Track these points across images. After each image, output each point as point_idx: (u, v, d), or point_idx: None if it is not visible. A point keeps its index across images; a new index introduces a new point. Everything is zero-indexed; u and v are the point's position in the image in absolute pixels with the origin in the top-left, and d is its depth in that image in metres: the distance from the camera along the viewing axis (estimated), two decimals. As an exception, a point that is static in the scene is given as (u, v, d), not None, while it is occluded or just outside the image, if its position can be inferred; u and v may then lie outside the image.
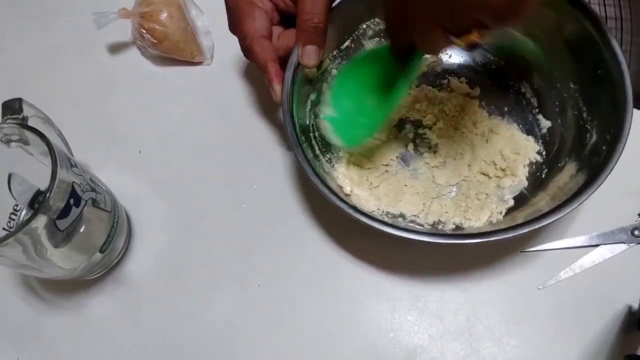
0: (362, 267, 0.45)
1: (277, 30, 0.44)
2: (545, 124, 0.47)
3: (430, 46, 0.36)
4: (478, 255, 0.45)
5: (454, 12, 0.30)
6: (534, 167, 0.46)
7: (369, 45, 0.49)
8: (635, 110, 0.48)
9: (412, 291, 0.44)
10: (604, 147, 0.39)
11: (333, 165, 0.47)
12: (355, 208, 0.38)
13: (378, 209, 0.45)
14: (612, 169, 0.37)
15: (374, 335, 0.43)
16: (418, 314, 0.44)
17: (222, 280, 0.46)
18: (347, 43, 0.48)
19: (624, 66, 0.39)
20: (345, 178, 0.46)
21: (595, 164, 0.38)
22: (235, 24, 0.43)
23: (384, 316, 0.44)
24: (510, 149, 0.47)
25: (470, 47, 0.33)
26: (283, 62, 0.42)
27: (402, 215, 0.45)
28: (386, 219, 0.43)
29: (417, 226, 0.44)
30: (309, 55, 0.41)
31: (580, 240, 0.45)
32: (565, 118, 0.45)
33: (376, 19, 0.47)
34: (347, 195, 0.45)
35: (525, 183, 0.45)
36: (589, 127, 0.42)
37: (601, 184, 0.37)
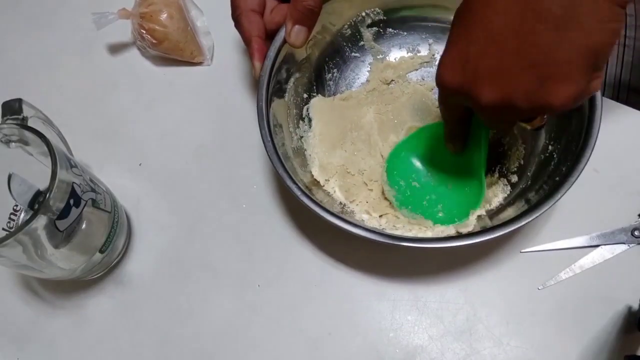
0: (363, 267, 0.45)
1: (271, 3, 0.44)
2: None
3: (499, 130, 0.40)
4: (478, 255, 0.45)
5: (528, 112, 0.32)
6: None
7: (366, 34, 0.49)
8: (632, 110, 0.48)
9: (412, 291, 0.44)
10: (557, 178, 0.39)
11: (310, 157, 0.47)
12: (318, 204, 0.38)
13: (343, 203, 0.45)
14: (562, 196, 0.37)
15: (374, 335, 0.43)
16: (418, 314, 0.44)
17: (222, 280, 0.46)
18: (345, 29, 0.48)
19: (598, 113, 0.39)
20: (321, 174, 0.46)
21: (547, 190, 0.39)
22: None
23: (384, 316, 0.44)
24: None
25: (536, 129, 0.37)
26: (272, 35, 0.43)
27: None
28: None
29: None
30: (297, 35, 0.41)
31: (580, 240, 0.45)
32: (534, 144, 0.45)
33: (376, 9, 0.47)
34: (322, 186, 0.45)
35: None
36: (555, 155, 0.42)
37: (552, 204, 0.37)
